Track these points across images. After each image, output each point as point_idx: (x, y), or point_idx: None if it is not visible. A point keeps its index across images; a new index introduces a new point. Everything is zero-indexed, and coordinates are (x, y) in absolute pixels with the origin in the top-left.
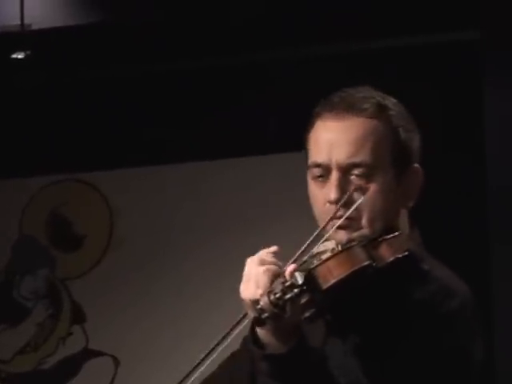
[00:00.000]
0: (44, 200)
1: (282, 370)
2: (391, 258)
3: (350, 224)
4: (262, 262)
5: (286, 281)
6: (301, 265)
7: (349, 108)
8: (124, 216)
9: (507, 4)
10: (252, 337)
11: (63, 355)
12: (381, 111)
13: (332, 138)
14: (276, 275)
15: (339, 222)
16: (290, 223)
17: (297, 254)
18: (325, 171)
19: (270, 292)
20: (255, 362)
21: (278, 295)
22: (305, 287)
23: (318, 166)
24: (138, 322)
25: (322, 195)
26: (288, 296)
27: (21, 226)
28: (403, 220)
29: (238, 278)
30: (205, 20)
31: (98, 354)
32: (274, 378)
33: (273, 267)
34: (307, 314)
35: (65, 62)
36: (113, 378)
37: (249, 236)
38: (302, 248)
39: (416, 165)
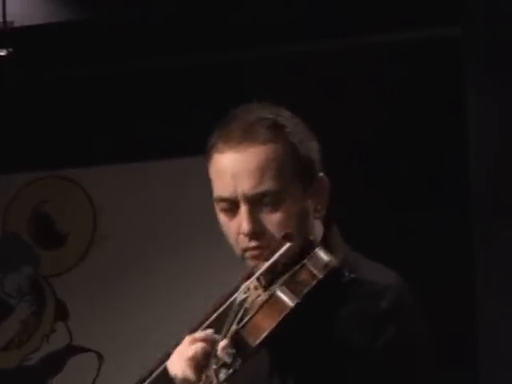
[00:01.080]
0: (27, 197)
1: None
2: (313, 283)
3: (266, 251)
4: (194, 340)
5: (219, 358)
6: (228, 323)
7: (244, 137)
8: (107, 213)
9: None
10: None
11: (47, 352)
12: (276, 133)
13: (234, 171)
14: (208, 352)
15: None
16: None
17: (212, 318)
18: (232, 204)
19: (202, 372)
20: None
21: (211, 379)
22: (237, 358)
23: (224, 200)
24: (122, 318)
25: (234, 226)
26: (221, 378)
27: (4, 223)
28: (318, 230)
29: (225, 275)
30: (194, 16)
31: (82, 350)
32: None
33: (204, 345)
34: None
35: (47, 60)
36: (97, 374)
37: None
38: (216, 313)
39: (321, 174)
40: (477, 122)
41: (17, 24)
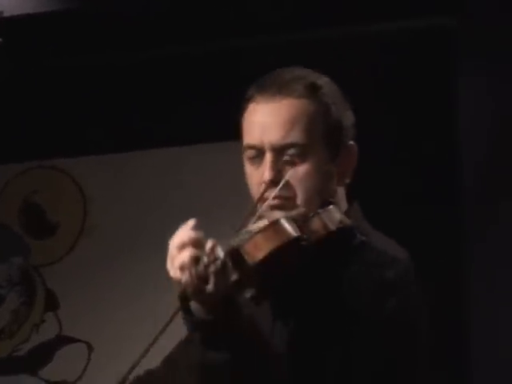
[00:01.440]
0: (17, 187)
1: (212, 336)
2: (324, 232)
3: (285, 203)
4: (183, 246)
5: (208, 256)
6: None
7: (279, 90)
8: (97, 203)
9: None
10: (184, 310)
11: (37, 342)
12: (311, 91)
13: (264, 120)
14: (197, 256)
15: (274, 201)
16: None
17: (238, 230)
18: (258, 152)
19: (194, 265)
20: (189, 334)
21: (200, 268)
22: (230, 263)
23: (251, 147)
24: (112, 308)
25: (257, 176)
26: (211, 270)
27: None
28: (341, 197)
29: None
30: (183, 5)
31: (72, 340)
32: (205, 344)
33: (193, 251)
34: (249, 294)
35: (37, 50)
36: (87, 364)
37: (225, 221)
38: (239, 226)
39: (351, 142)
40: (467, 115)
41: (6, 14)
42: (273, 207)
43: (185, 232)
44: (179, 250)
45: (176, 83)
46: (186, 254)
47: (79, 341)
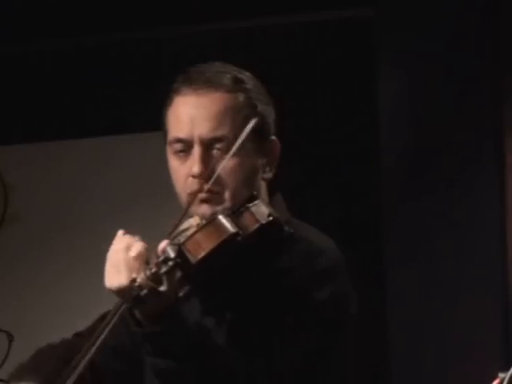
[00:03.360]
0: None
1: (162, 346)
2: (255, 226)
3: (213, 197)
4: (129, 247)
5: (159, 256)
6: (171, 242)
7: (207, 83)
8: (19, 192)
9: None
10: (133, 320)
11: None
12: (238, 85)
13: (193, 113)
14: (146, 257)
15: (203, 195)
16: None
17: (172, 231)
18: (186, 146)
19: (145, 269)
20: (140, 344)
21: (153, 270)
22: (178, 260)
23: (179, 141)
24: (33, 297)
25: (184, 170)
26: (164, 269)
27: None
28: (263, 191)
29: None
30: None
31: None
32: (156, 355)
33: (142, 250)
34: (182, 292)
35: None
36: (7, 354)
37: (150, 213)
38: (176, 224)
39: (273, 137)
40: (387, 105)
41: None
42: (202, 201)
43: (125, 237)
44: (126, 253)
45: (101, 72)
46: (135, 254)
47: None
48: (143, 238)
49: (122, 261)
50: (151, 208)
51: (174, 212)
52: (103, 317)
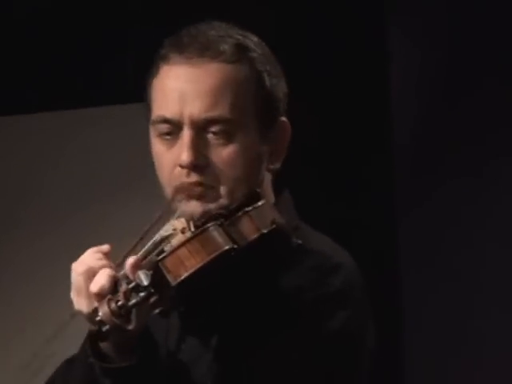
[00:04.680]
0: None
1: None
2: (255, 235)
3: (206, 193)
4: (92, 275)
5: (129, 282)
6: (145, 256)
7: (203, 50)
8: None
9: None
10: (92, 349)
11: None
12: (241, 53)
13: (183, 88)
14: (113, 282)
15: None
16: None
17: (143, 237)
18: (174, 128)
19: (109, 300)
20: (97, 376)
21: (119, 303)
22: (152, 289)
23: (165, 121)
24: None
25: (170, 157)
26: (132, 302)
27: None
28: (267, 185)
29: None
30: None
31: None
32: None
33: (105, 284)
34: (158, 310)
35: None
36: None
37: (129, 201)
38: (143, 232)
39: (283, 118)
40: (400, 72)
41: None
42: (191, 197)
43: (92, 257)
44: (86, 283)
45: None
46: (100, 282)
47: None
48: (120, 233)
49: (82, 288)
50: (131, 196)
51: (160, 201)
52: None
